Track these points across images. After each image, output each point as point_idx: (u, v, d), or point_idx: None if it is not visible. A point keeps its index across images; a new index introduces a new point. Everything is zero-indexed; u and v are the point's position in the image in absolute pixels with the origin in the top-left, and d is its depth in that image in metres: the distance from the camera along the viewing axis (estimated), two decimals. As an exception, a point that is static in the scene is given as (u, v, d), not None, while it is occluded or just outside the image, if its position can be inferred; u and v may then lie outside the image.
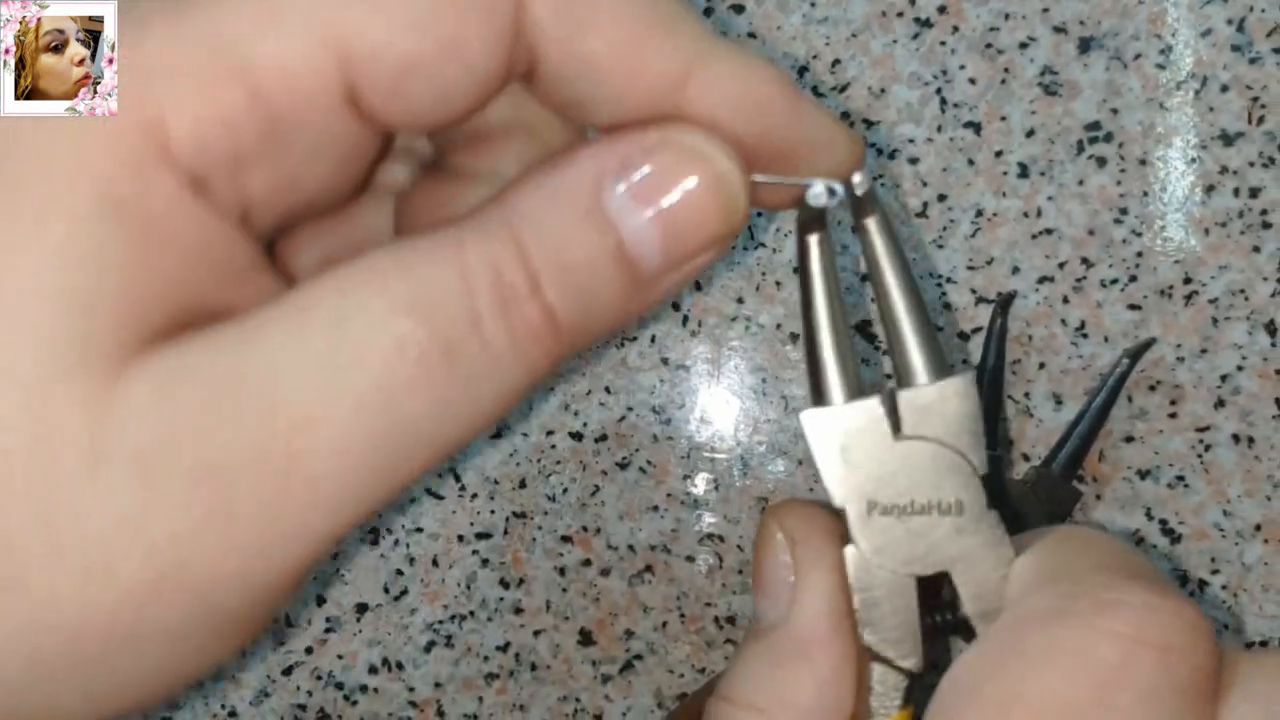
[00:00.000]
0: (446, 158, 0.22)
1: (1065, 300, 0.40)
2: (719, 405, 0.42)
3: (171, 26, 0.16)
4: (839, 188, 0.21)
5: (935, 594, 0.22)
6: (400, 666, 0.43)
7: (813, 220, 0.22)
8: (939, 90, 0.40)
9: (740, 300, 0.41)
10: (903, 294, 0.22)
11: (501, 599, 0.43)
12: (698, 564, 0.42)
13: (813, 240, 0.22)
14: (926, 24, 0.40)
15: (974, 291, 0.41)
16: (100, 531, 0.15)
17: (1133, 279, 0.40)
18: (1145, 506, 0.41)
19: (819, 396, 0.22)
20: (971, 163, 0.40)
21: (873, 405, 0.21)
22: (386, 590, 0.43)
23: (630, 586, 0.43)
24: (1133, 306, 0.40)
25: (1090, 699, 0.17)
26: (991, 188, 0.40)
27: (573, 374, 0.42)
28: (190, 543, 0.16)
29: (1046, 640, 0.18)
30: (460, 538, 0.43)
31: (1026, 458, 0.41)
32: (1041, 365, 0.41)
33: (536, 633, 0.43)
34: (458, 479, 0.43)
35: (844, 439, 0.21)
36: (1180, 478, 0.40)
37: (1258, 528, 0.40)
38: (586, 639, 0.43)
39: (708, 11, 0.41)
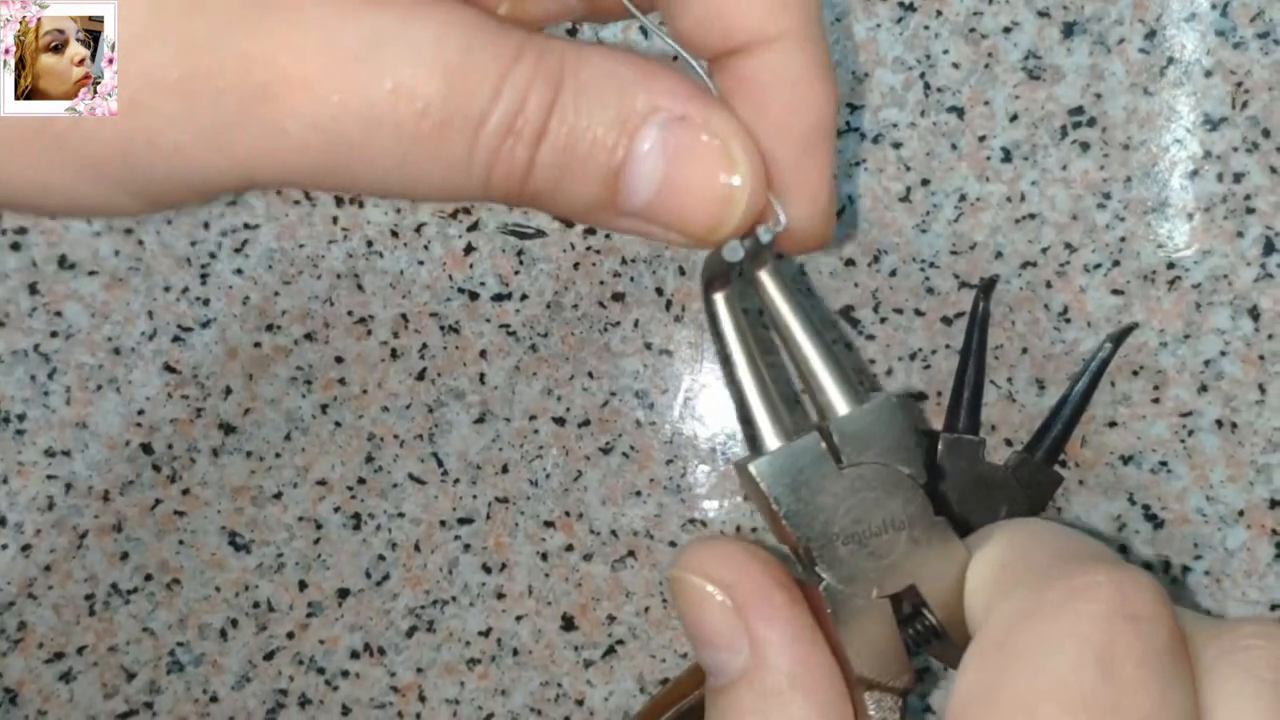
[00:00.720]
0: None
1: (1048, 285, 0.40)
2: (702, 390, 0.42)
3: None
4: (748, 243, 0.21)
5: (907, 607, 0.23)
6: (382, 651, 0.43)
7: (718, 277, 0.22)
8: (922, 75, 0.40)
9: (723, 285, 0.41)
10: (807, 335, 0.23)
11: (483, 584, 0.43)
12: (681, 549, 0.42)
13: (719, 298, 0.23)
14: (910, 8, 0.40)
15: (957, 276, 0.41)
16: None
17: (1116, 264, 0.40)
18: (1128, 492, 0.41)
19: (756, 446, 0.23)
20: (955, 147, 0.40)
21: (813, 441, 0.22)
22: (368, 575, 0.43)
23: (613, 571, 0.42)
24: (1116, 291, 0.40)
25: (1099, 678, 0.17)
26: (975, 172, 0.40)
27: (556, 359, 0.42)
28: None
29: (1037, 637, 0.18)
30: (442, 523, 0.43)
31: (1009, 443, 0.41)
32: (1024, 350, 0.41)
33: (519, 618, 0.43)
34: (440, 464, 0.42)
35: (794, 477, 0.22)
36: (1163, 463, 0.40)
37: (1240, 513, 0.40)
38: (569, 624, 0.43)
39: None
